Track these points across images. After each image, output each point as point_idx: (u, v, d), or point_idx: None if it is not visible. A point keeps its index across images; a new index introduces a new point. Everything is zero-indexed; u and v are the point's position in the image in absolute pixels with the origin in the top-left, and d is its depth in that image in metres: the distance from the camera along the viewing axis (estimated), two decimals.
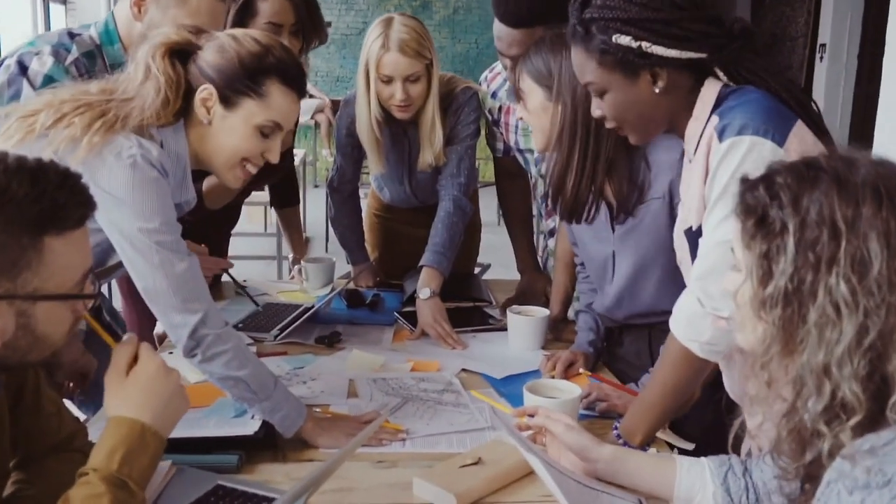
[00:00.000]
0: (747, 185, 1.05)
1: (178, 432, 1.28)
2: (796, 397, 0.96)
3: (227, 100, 1.49)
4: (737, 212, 1.05)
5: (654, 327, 1.86)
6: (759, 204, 1.00)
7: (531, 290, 2.50)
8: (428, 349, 2.13)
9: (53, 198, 1.01)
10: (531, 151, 2.39)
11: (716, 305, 1.31)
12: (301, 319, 2.16)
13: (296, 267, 2.75)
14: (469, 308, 2.46)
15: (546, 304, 2.31)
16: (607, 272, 1.89)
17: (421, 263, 2.31)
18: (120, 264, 1.48)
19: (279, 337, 2.13)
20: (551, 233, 2.47)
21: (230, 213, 2.63)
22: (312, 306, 2.28)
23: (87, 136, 1.38)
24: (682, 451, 1.56)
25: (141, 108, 1.44)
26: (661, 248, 1.75)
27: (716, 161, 1.31)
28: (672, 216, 1.73)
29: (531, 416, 1.44)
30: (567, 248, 2.26)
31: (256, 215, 6.40)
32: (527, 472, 1.43)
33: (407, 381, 1.87)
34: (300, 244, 2.89)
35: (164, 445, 1.15)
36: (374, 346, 2.13)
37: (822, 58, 6.77)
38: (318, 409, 1.67)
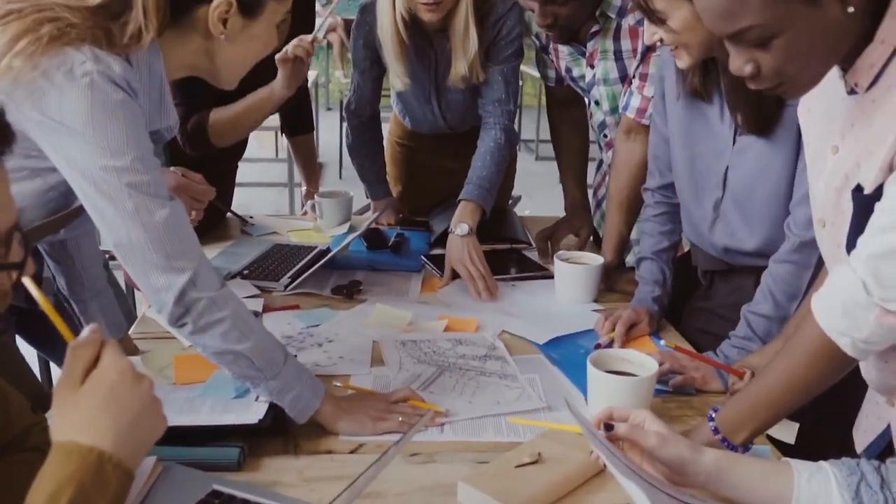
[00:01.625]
0: None
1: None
2: None
3: (250, 8, 1.21)
4: None
5: (762, 273, 1.57)
6: None
7: (567, 222, 2.25)
8: (463, 302, 1.84)
9: None
10: (583, 78, 2.08)
11: (887, 296, 0.98)
12: (316, 266, 1.86)
13: (308, 202, 2.47)
14: (506, 251, 2.18)
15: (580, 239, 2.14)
16: (716, 191, 1.61)
17: (461, 197, 2.00)
18: (75, 213, 1.17)
19: (290, 286, 1.85)
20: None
21: (236, 144, 2.30)
22: (328, 249, 1.99)
23: (7, 56, 1.04)
24: (781, 445, 1.28)
25: (104, 34, 1.10)
26: (786, 165, 1.48)
27: None
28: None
29: (608, 426, 1.12)
30: (622, 184, 1.96)
31: (267, 140, 6.12)
32: (596, 471, 1.16)
33: (442, 345, 1.58)
34: (314, 176, 2.60)
35: (131, 480, 0.84)
36: (401, 298, 1.85)
37: None
38: (337, 384, 1.38)
